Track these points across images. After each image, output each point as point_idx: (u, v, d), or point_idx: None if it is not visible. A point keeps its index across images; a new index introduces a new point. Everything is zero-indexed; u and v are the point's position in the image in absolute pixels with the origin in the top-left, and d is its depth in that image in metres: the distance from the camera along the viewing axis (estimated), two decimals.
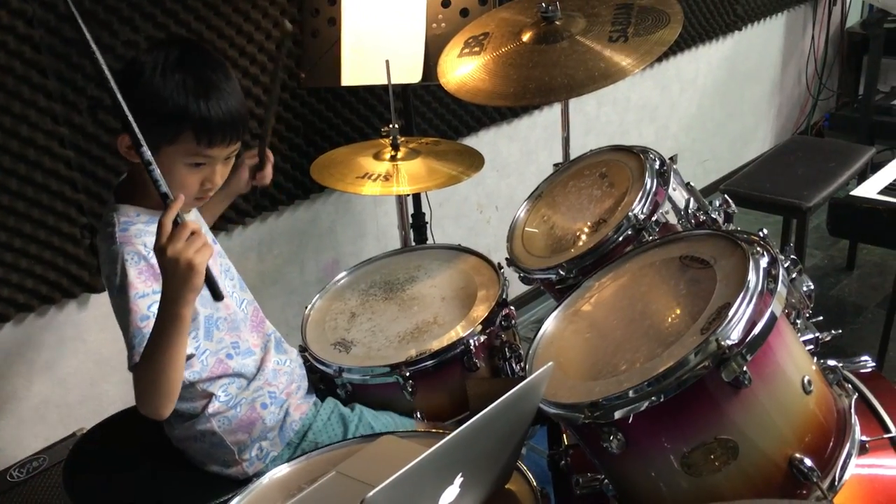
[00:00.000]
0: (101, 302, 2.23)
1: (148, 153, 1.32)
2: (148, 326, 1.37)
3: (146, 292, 1.39)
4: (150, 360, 1.34)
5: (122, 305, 1.40)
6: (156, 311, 1.35)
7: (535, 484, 1.27)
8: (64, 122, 2.03)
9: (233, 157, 1.52)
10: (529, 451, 2.35)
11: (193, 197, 1.50)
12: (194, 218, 1.62)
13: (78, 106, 2.04)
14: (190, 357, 1.48)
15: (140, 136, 1.31)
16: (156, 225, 1.33)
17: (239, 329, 1.61)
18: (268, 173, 1.81)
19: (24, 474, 2.09)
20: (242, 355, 1.60)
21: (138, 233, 1.45)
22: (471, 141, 2.94)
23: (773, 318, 1.17)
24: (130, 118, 1.31)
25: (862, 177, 3.07)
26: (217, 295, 1.34)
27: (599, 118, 3.45)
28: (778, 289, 1.20)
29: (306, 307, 1.90)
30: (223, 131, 1.43)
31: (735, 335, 1.14)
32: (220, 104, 1.42)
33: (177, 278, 1.28)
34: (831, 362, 1.33)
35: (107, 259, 1.45)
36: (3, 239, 1.99)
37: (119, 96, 1.31)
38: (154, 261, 1.37)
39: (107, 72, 1.31)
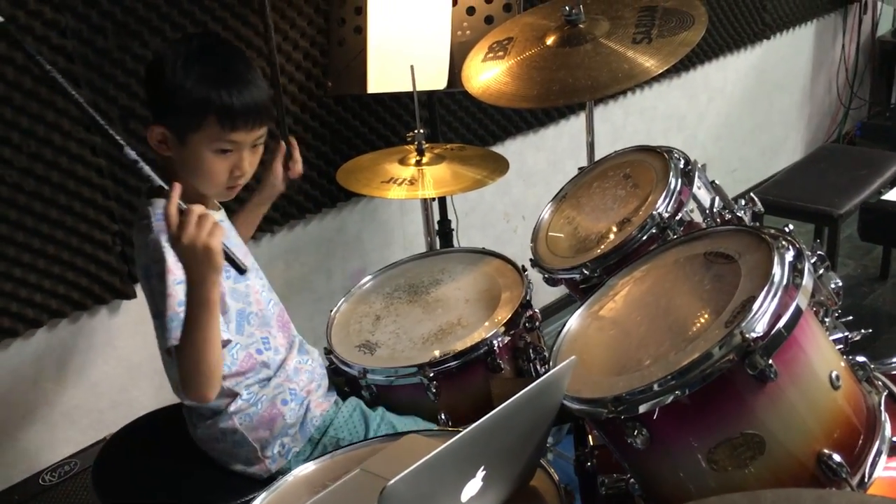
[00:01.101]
0: (132, 308, 2.26)
1: (132, 153, 1.37)
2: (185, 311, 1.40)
3: (182, 279, 1.41)
4: (188, 346, 1.38)
5: (159, 290, 1.42)
6: None
7: (558, 480, 1.26)
8: (96, 131, 2.07)
9: (260, 146, 1.55)
10: (556, 457, 2.34)
11: (225, 186, 1.53)
12: (221, 218, 1.65)
13: (110, 115, 2.08)
14: (226, 343, 1.51)
15: (118, 137, 1.37)
16: None
17: (269, 325, 1.64)
18: (297, 159, 1.84)
19: (56, 478, 2.12)
20: (271, 352, 1.62)
21: None
22: (497, 150, 2.93)
23: (798, 312, 1.16)
24: (98, 118, 1.39)
25: (894, 184, 3.03)
26: (240, 269, 1.40)
27: (626, 127, 3.44)
28: (804, 282, 1.19)
29: (331, 310, 1.91)
30: (245, 115, 1.46)
31: (760, 328, 1.13)
32: (242, 90, 1.46)
33: (197, 262, 1.32)
34: (860, 358, 1.31)
35: (143, 248, 1.47)
36: (37, 245, 2.03)
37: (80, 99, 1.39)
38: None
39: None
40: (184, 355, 1.40)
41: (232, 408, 1.58)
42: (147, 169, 1.38)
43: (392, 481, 0.95)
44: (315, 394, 1.67)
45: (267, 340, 1.62)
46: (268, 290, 1.71)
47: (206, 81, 1.44)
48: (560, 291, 2.54)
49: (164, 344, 1.43)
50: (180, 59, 1.45)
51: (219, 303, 1.38)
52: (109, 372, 2.27)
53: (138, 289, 2.23)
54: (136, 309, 2.26)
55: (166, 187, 1.35)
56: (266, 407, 1.60)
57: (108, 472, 1.72)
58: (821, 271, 1.37)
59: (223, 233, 1.35)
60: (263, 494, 1.37)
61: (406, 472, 0.96)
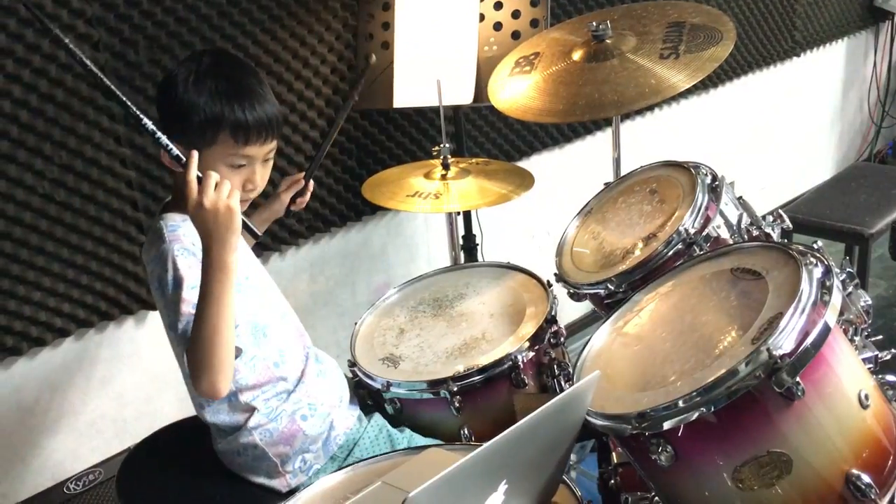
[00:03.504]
0: (157, 319, 2.23)
1: (150, 124, 1.40)
2: None
3: (195, 284, 1.43)
4: (202, 325, 1.38)
5: (173, 299, 1.44)
6: None
7: (581, 496, 1.25)
8: (126, 143, 2.10)
9: (271, 159, 1.57)
10: (580, 475, 2.32)
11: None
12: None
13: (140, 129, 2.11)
14: (238, 353, 1.51)
15: (135, 109, 1.41)
16: None
17: (284, 338, 1.64)
18: (307, 198, 1.88)
19: (81, 487, 2.14)
20: (287, 364, 1.62)
21: (186, 234, 1.49)
22: (522, 164, 2.94)
23: (826, 329, 1.14)
24: (124, 99, 1.42)
25: None
26: (255, 234, 1.46)
27: (653, 144, 3.42)
28: (832, 299, 1.18)
29: (356, 323, 1.91)
30: (258, 130, 1.48)
31: (787, 346, 1.12)
32: (255, 105, 1.48)
33: (218, 224, 1.36)
34: (891, 378, 1.29)
35: (156, 259, 1.49)
36: (66, 255, 2.06)
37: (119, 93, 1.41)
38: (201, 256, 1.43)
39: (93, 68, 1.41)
40: (195, 343, 1.39)
41: (251, 423, 1.58)
42: (165, 139, 1.40)
43: (412, 493, 0.94)
44: (337, 408, 1.67)
45: (283, 353, 1.62)
46: (282, 302, 1.72)
47: (218, 97, 1.45)
48: (586, 308, 2.52)
49: (180, 348, 1.44)
50: (192, 76, 1.46)
51: (235, 269, 1.39)
52: (135, 382, 2.29)
53: None
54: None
55: (184, 157, 1.39)
56: (286, 423, 1.60)
57: (132, 482, 1.73)
58: (850, 289, 1.35)
59: (239, 196, 1.40)
60: None
61: (426, 484, 0.95)
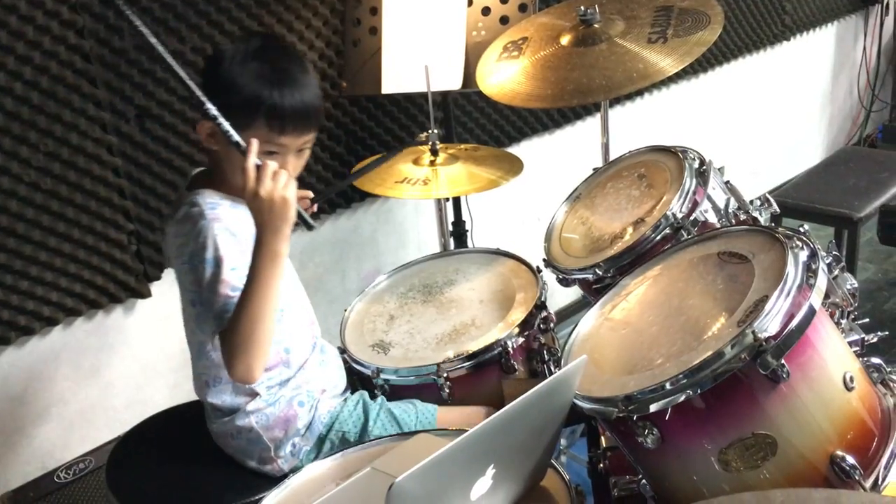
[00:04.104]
0: (147, 307, 2.27)
1: (213, 109, 1.39)
2: (238, 296, 1.42)
3: (236, 266, 1.43)
4: (247, 310, 1.39)
5: (210, 278, 1.43)
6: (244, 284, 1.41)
7: (569, 480, 1.26)
8: (112, 131, 2.08)
9: (306, 151, 1.55)
10: (570, 459, 2.33)
11: None
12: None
13: (126, 115, 2.10)
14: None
15: (199, 93, 1.40)
16: (239, 210, 1.46)
17: (297, 323, 1.65)
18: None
19: (71, 476, 2.13)
20: (295, 351, 1.62)
21: (226, 214, 1.48)
22: (511, 150, 2.92)
23: (811, 312, 1.15)
24: (189, 82, 1.40)
25: None
26: (309, 225, 1.45)
27: (641, 129, 3.42)
28: (817, 282, 1.18)
29: (345, 310, 1.91)
30: (295, 119, 1.47)
31: (772, 328, 1.12)
32: (294, 93, 1.46)
33: (274, 214, 1.37)
34: (876, 360, 1.29)
35: (192, 235, 1.46)
36: (53, 244, 2.05)
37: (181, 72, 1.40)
38: (242, 238, 1.45)
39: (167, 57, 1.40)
40: (238, 326, 1.40)
41: (250, 406, 1.59)
42: (226, 125, 1.40)
43: (400, 478, 0.94)
44: (325, 394, 1.67)
45: (293, 338, 1.63)
46: (298, 287, 1.72)
47: (259, 80, 1.44)
48: (576, 294, 2.53)
49: (210, 328, 1.44)
50: (238, 56, 1.46)
51: (285, 258, 1.41)
52: (124, 371, 2.29)
53: (154, 288, 2.24)
54: (152, 308, 2.28)
55: (243, 144, 1.39)
56: (283, 408, 1.60)
57: (121, 470, 1.73)
58: (836, 272, 1.36)
59: (297, 186, 1.40)
60: (274, 492, 1.37)
61: (414, 468, 0.96)
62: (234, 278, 1.43)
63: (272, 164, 1.38)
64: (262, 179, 1.36)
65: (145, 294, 2.23)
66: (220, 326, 1.43)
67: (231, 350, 1.42)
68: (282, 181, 1.37)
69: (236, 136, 1.40)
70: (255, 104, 1.44)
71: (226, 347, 1.43)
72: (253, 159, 1.38)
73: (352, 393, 1.74)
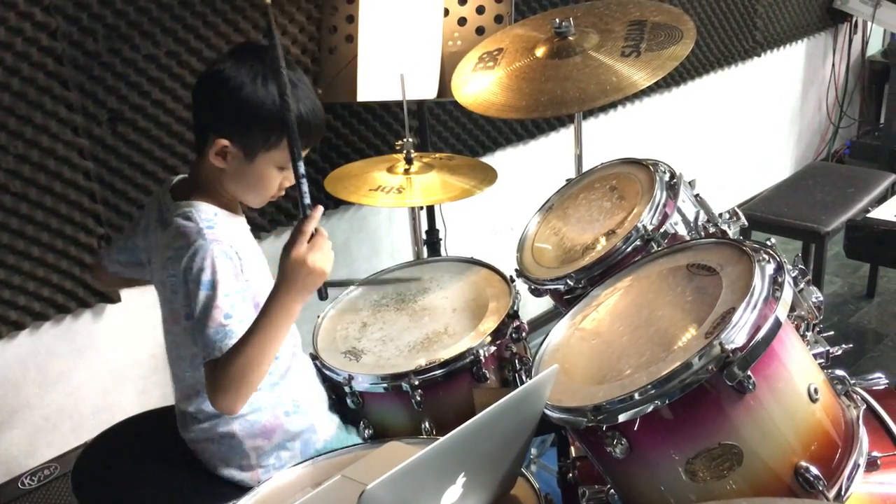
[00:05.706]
0: (116, 313, 2.25)
1: (302, 168, 1.39)
2: (231, 324, 1.41)
3: (230, 292, 1.42)
4: (245, 352, 1.38)
5: (205, 301, 1.42)
6: (237, 310, 1.41)
7: (539, 489, 1.26)
8: (84, 134, 2.07)
9: None
10: (540, 469, 2.34)
11: (269, 198, 1.56)
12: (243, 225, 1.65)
13: (98, 118, 2.08)
14: None
15: (298, 151, 1.39)
16: (235, 223, 1.48)
17: None
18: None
19: (36, 482, 2.11)
20: (278, 359, 1.60)
21: (224, 234, 1.47)
22: (486, 160, 2.94)
23: (777, 324, 1.17)
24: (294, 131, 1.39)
25: (882, 203, 3.04)
26: (321, 295, 1.47)
27: (615, 142, 3.46)
28: (783, 295, 1.20)
29: (318, 316, 1.91)
30: (316, 135, 1.51)
31: (739, 339, 1.14)
32: (315, 109, 1.48)
33: (308, 281, 1.39)
34: (839, 372, 1.32)
35: (187, 251, 1.44)
36: (21, 248, 2.02)
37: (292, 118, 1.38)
38: (238, 261, 1.45)
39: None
40: (231, 364, 1.38)
41: None
42: (306, 185, 1.41)
43: (370, 486, 0.95)
44: (318, 409, 1.67)
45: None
46: None
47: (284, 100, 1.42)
48: (548, 304, 2.54)
49: (206, 353, 1.41)
50: (259, 77, 1.43)
51: (296, 316, 1.43)
52: (92, 376, 2.26)
53: (123, 293, 2.22)
54: (121, 313, 2.26)
55: (310, 207, 1.40)
56: (268, 416, 1.59)
57: (87, 477, 1.71)
58: (801, 285, 1.38)
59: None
60: (244, 499, 1.37)
61: (385, 476, 0.96)
62: (226, 305, 1.41)
63: (324, 233, 1.40)
64: (315, 247, 1.38)
65: (115, 299, 2.22)
66: (210, 356, 1.41)
67: (220, 383, 1.40)
68: (329, 255, 1.40)
69: (308, 199, 1.40)
70: (286, 125, 1.41)
71: (214, 378, 1.40)
72: (314, 225, 1.39)
73: (342, 419, 1.73)
